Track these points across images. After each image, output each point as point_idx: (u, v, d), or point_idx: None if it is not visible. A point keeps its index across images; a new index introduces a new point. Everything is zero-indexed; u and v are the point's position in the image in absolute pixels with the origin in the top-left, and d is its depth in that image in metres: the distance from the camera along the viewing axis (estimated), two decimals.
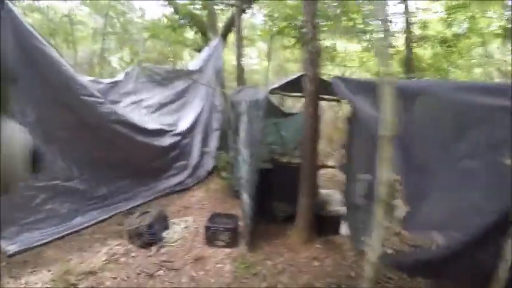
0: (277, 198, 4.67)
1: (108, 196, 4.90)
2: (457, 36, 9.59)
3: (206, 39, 8.67)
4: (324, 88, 4.08)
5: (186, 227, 4.60)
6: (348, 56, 13.71)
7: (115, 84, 5.49)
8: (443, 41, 9.55)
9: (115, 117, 4.71)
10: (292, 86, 4.46)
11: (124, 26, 10.85)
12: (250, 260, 3.79)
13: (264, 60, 14.58)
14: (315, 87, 3.94)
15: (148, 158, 5.61)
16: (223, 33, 8.78)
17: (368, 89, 3.13)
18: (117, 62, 12.46)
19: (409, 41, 9.48)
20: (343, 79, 3.75)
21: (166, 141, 5.93)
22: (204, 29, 9.03)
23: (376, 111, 2.55)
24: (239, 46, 7.67)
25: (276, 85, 4.19)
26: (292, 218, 4.39)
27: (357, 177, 3.51)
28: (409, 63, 9.58)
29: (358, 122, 3.30)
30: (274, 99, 7.48)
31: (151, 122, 5.70)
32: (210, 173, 6.85)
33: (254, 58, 16.52)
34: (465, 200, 2.25)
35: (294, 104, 9.57)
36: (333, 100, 4.98)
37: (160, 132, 5.83)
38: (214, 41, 7.76)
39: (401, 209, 2.31)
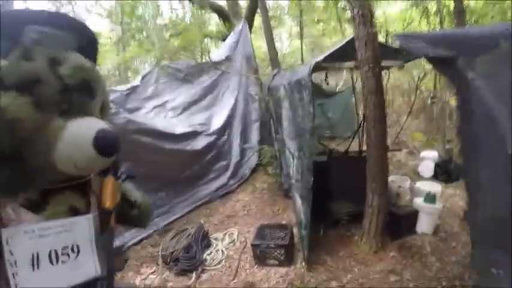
0: (336, 196, 3.80)
1: None
2: None
3: (230, 26, 7.87)
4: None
5: (231, 242, 3.90)
6: (389, 20, 12.35)
7: (132, 90, 4.89)
8: None
9: (133, 127, 4.14)
10: (339, 58, 3.55)
11: (142, 29, 10.39)
12: (311, 281, 3.00)
13: (295, 40, 13.47)
14: (373, 52, 2.98)
15: (181, 164, 4.98)
16: (247, 16, 7.91)
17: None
18: (145, 68, 12.15)
19: None
20: (409, 36, 2.66)
21: (200, 143, 5.28)
22: (225, 15, 8.26)
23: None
24: (267, 26, 6.74)
25: (319, 58, 3.25)
26: (357, 219, 3.53)
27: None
28: (460, 16, 8.03)
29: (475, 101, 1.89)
30: (316, 78, 6.53)
31: (179, 125, 5.07)
32: (253, 171, 6.09)
33: (284, 41, 15.43)
34: None
35: (338, 82, 8.50)
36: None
37: (191, 135, 5.19)
38: (239, 26, 6.91)
39: None
